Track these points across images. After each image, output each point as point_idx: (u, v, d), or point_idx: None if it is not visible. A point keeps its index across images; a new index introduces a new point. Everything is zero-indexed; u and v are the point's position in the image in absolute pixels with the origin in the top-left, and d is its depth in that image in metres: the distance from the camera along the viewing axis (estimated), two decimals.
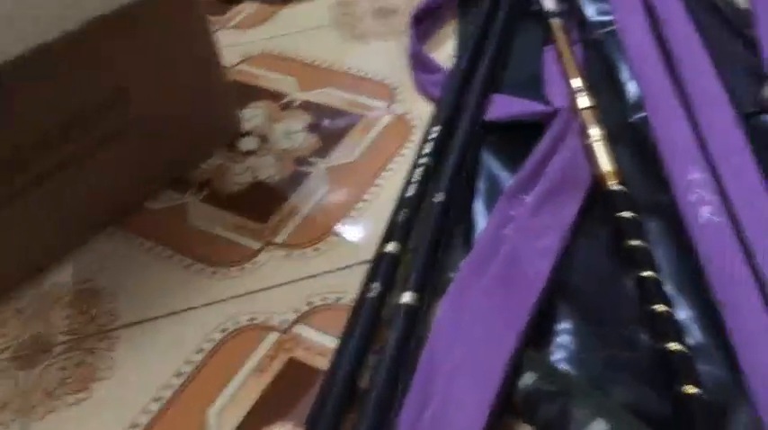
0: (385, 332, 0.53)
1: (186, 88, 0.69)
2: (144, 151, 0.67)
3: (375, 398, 0.49)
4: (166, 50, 0.65)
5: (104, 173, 0.65)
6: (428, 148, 0.68)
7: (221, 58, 0.73)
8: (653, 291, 0.53)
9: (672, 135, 0.64)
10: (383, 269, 0.58)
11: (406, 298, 0.54)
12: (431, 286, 0.56)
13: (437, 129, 0.70)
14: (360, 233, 0.65)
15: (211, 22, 0.95)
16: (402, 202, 0.64)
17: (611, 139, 0.67)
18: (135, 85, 0.63)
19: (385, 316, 0.55)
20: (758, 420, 0.45)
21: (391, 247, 0.59)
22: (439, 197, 0.63)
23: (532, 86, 0.77)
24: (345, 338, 0.54)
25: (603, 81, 0.76)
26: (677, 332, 0.50)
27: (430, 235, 0.60)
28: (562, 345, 0.52)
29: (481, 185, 0.66)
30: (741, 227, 0.55)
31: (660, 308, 0.51)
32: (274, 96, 0.83)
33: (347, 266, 0.62)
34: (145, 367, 0.57)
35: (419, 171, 0.66)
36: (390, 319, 0.54)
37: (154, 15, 0.62)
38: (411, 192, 0.64)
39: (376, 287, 0.56)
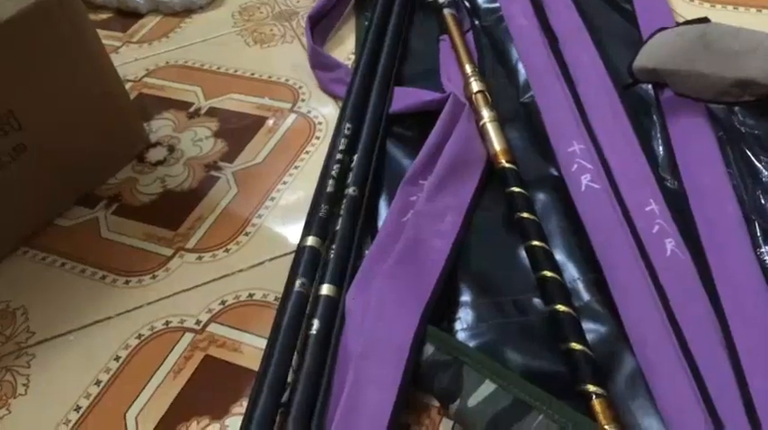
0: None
1: (84, 108, 0.69)
2: (46, 172, 0.67)
3: (301, 389, 0.50)
4: (55, 72, 0.65)
5: (5, 195, 0.65)
6: (342, 145, 0.69)
7: (119, 74, 0.73)
8: (542, 258, 0.56)
9: (554, 111, 0.67)
10: (306, 263, 0.59)
11: (325, 290, 0.56)
12: (348, 278, 0.58)
13: (348, 125, 0.71)
14: (268, 231, 0.67)
15: (114, 38, 0.96)
16: (322, 198, 0.65)
17: (507, 119, 0.70)
18: (23, 109, 0.62)
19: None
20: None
21: (311, 241, 0.61)
22: (350, 191, 0.64)
23: (431, 76, 0.80)
24: (275, 331, 0.54)
25: (496, 65, 0.79)
26: (565, 295, 0.53)
27: (344, 228, 0.62)
28: (462, 318, 0.54)
29: (387, 176, 0.68)
30: (619, 190, 0.58)
31: (548, 274, 0.54)
32: (181, 106, 0.84)
33: (258, 264, 0.64)
34: (63, 379, 0.57)
35: (336, 167, 0.67)
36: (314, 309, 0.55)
37: (33, 35, 0.61)
38: (330, 187, 0.65)
39: (301, 282, 0.57)
